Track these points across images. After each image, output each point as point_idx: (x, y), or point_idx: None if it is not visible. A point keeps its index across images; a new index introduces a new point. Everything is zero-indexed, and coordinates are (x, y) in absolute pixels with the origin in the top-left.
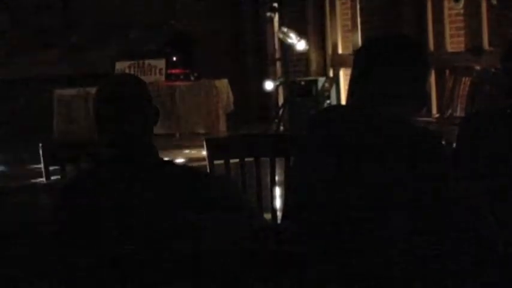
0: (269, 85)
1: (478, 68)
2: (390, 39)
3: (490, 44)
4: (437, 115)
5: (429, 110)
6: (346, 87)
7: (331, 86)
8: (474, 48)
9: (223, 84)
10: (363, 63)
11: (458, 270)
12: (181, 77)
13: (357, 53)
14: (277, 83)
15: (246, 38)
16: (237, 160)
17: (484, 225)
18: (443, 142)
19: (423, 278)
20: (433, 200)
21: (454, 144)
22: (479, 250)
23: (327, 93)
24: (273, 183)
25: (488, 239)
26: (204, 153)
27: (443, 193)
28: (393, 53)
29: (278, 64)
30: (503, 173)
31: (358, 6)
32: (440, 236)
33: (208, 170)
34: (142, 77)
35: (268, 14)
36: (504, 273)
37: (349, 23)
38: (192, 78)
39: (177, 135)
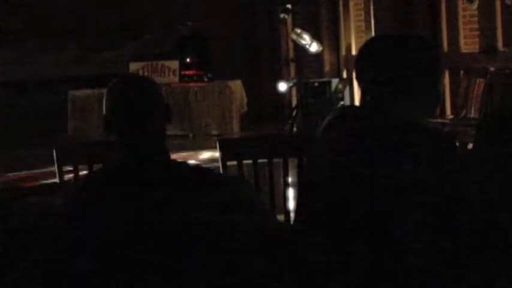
0: (283, 86)
1: (492, 68)
2: (401, 38)
3: (504, 45)
4: (451, 116)
5: (443, 111)
6: (360, 88)
7: (344, 87)
8: (488, 49)
9: (236, 85)
10: (374, 62)
11: (476, 267)
12: (195, 78)
13: (367, 50)
14: (291, 84)
15: (260, 39)
16: (250, 161)
17: (499, 227)
18: (457, 144)
19: (441, 276)
20: (447, 202)
21: (470, 146)
22: (498, 246)
23: (340, 95)
24: (286, 185)
25: (505, 238)
26: (217, 154)
27: (457, 195)
28: (406, 53)
29: (292, 65)
30: None
31: (371, 7)
32: (457, 237)
33: (221, 171)
34: (156, 78)
35: (282, 15)
36: None
37: (362, 24)
38: (206, 79)
39: (191, 136)
